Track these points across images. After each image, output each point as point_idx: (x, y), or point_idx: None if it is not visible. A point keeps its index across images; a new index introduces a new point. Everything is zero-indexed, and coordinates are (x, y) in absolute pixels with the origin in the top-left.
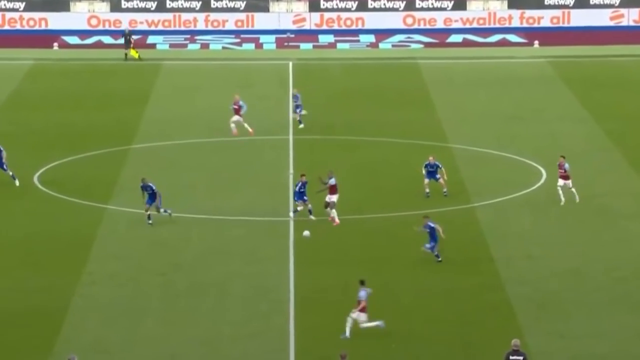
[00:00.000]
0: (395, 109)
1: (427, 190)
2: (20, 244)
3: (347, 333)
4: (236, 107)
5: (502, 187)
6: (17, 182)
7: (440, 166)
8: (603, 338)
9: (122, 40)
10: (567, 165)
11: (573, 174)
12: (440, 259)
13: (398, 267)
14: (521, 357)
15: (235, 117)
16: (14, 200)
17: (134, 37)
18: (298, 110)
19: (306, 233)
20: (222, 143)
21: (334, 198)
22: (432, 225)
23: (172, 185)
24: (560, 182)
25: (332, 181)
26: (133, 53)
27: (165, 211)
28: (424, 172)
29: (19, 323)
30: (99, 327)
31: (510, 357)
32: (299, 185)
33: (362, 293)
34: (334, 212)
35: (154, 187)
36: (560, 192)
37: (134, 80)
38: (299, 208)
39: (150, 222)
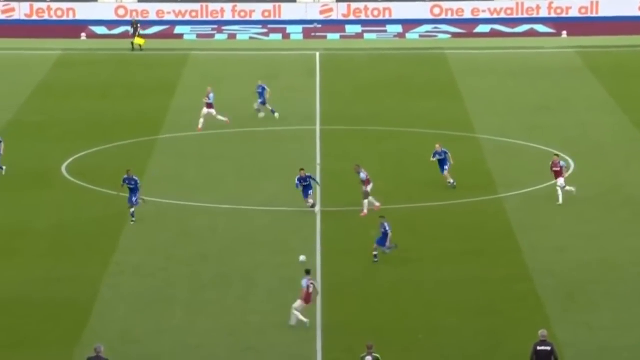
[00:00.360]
0: (423, 100)
1: (450, 180)
2: (48, 234)
3: (306, 320)
4: (207, 100)
5: (530, 178)
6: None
7: (447, 152)
8: (631, 329)
9: (149, 31)
10: (562, 163)
11: (600, 164)
12: (376, 260)
13: (425, 258)
14: (549, 348)
15: (206, 111)
16: (42, 190)
17: (140, 26)
18: (260, 101)
19: (302, 258)
20: (249, 133)
21: (368, 188)
22: (387, 227)
23: (198, 176)
24: (560, 181)
25: (363, 175)
26: (138, 40)
27: (137, 201)
28: (432, 159)
29: (47, 313)
30: (127, 317)
31: (538, 348)
32: (299, 178)
33: (305, 282)
34: (365, 203)
35: (138, 181)
36: (570, 188)
37: (161, 70)
38: (310, 201)
39: (133, 219)
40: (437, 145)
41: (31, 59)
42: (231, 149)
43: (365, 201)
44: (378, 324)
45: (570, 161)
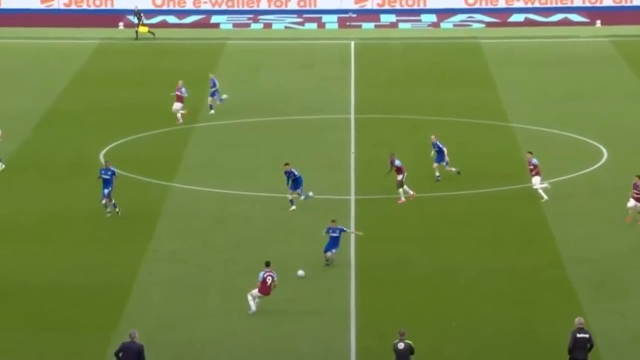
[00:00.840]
0: (457, 89)
1: (437, 174)
2: (86, 220)
3: (254, 307)
4: (179, 93)
5: (563, 167)
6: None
7: (442, 147)
8: None
9: (186, 20)
10: (534, 161)
11: (633, 153)
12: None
13: (458, 246)
14: (587, 335)
15: (177, 105)
16: (80, 177)
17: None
18: (215, 96)
19: (300, 273)
20: (285, 122)
21: (400, 177)
22: (342, 230)
23: (234, 164)
24: (536, 180)
25: (397, 163)
26: (142, 29)
27: (109, 194)
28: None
29: (85, 299)
30: (163, 303)
31: (578, 335)
32: (284, 172)
33: (262, 274)
34: (400, 191)
35: (115, 172)
36: (544, 185)
37: (198, 59)
38: (290, 196)
39: (109, 212)
40: (433, 137)
41: (70, 48)
42: (267, 137)
43: (401, 190)
44: (411, 311)
45: (604, 150)
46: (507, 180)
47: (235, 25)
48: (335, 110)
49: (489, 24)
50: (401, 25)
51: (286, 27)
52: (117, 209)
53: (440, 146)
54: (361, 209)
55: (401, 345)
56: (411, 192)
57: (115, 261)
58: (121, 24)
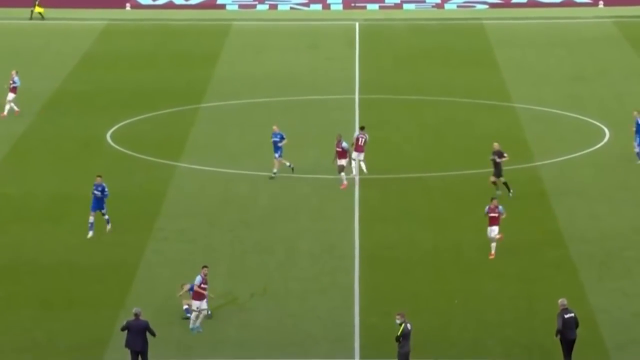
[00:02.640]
0: (460, 69)
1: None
2: None
3: (198, 323)
4: (12, 82)
5: (566, 146)
6: None
7: (283, 136)
8: None
9: (193, 1)
10: (353, 135)
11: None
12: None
13: (462, 225)
14: (573, 314)
15: (10, 96)
16: (87, 157)
17: None
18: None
19: None
20: (290, 102)
21: (344, 162)
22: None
23: (240, 144)
24: (355, 154)
25: (345, 145)
26: (38, 9)
27: None
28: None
29: (93, 277)
30: (170, 282)
31: (566, 316)
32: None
33: (198, 277)
34: (343, 175)
35: None
36: (353, 164)
37: (204, 40)
38: (92, 218)
39: None
40: (275, 127)
41: (77, 29)
42: (272, 118)
43: (342, 174)
44: (415, 290)
45: (606, 130)
46: (510, 160)
47: (241, 6)
48: (340, 90)
49: (492, 5)
50: (405, 6)
51: (291, 8)
52: None
53: (283, 136)
54: (365, 188)
55: (409, 326)
56: (345, 182)
57: (124, 240)
58: (128, 5)
